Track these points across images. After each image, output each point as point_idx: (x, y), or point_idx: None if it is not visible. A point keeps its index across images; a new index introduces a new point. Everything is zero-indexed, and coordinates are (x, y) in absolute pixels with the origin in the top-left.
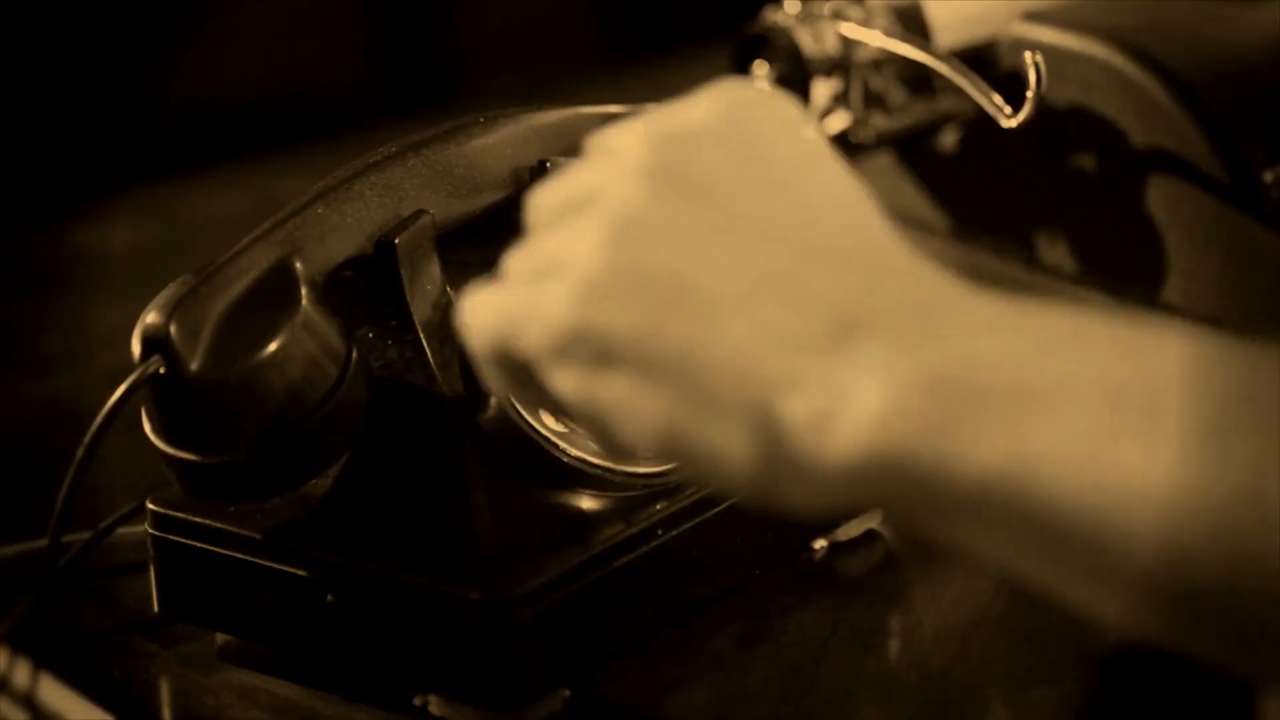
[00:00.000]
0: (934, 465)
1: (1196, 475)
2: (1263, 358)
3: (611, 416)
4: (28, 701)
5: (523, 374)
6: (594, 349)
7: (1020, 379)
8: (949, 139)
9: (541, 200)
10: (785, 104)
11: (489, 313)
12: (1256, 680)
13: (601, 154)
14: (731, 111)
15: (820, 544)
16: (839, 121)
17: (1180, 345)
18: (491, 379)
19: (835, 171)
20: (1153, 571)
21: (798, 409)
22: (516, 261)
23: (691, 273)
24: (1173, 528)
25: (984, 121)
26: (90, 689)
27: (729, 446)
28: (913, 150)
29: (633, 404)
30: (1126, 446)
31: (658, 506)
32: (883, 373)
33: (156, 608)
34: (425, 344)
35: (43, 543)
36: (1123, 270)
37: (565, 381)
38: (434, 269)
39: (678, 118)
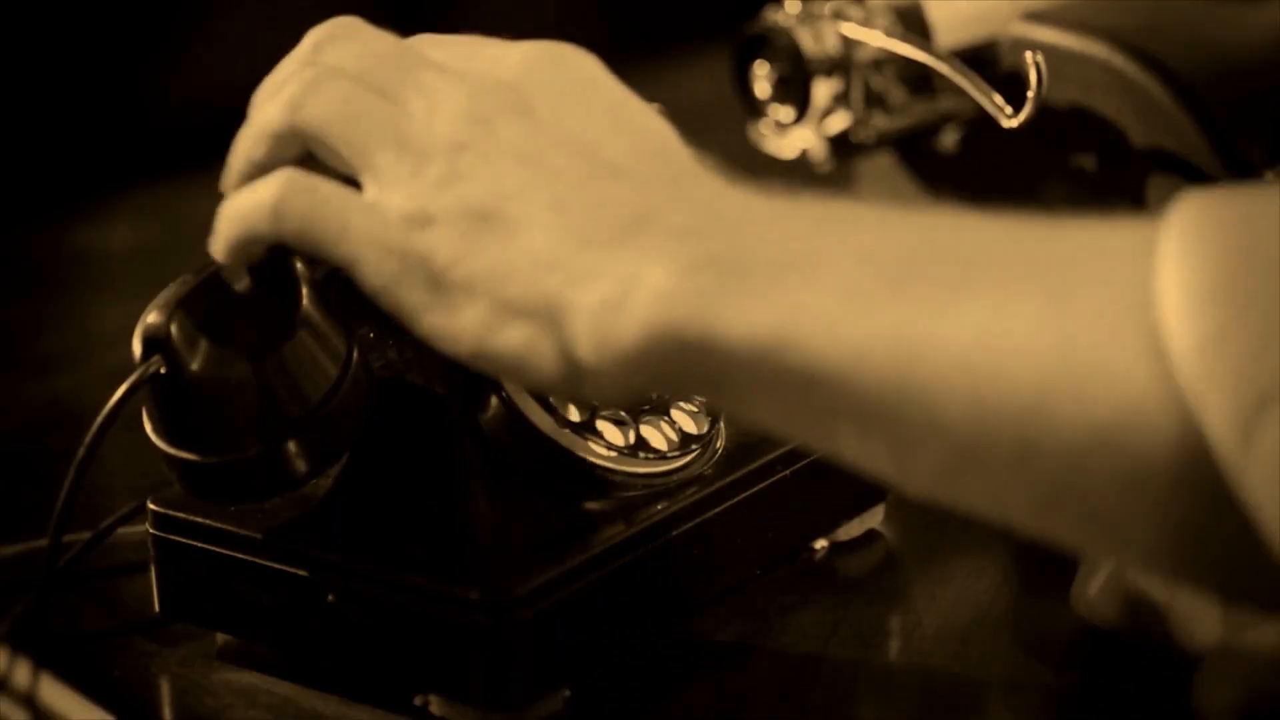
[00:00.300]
0: (711, 335)
1: (934, 326)
2: (1003, 223)
3: (430, 331)
4: (28, 701)
5: (259, 244)
6: (422, 275)
7: (785, 253)
8: (949, 139)
9: (336, 48)
10: (586, 56)
11: (307, 198)
12: (1008, 525)
13: (428, 79)
14: (540, 61)
15: (820, 544)
16: (839, 121)
17: (929, 217)
18: (243, 233)
19: (635, 106)
20: (904, 419)
21: (590, 298)
22: (293, 97)
23: (504, 200)
24: (918, 376)
25: (984, 121)
26: (90, 689)
27: (534, 345)
28: (913, 150)
29: (450, 318)
30: (875, 305)
31: (658, 506)
32: (666, 258)
33: (157, 608)
34: (425, 344)
35: (43, 543)
36: None
37: (378, 287)
38: None
39: (495, 67)
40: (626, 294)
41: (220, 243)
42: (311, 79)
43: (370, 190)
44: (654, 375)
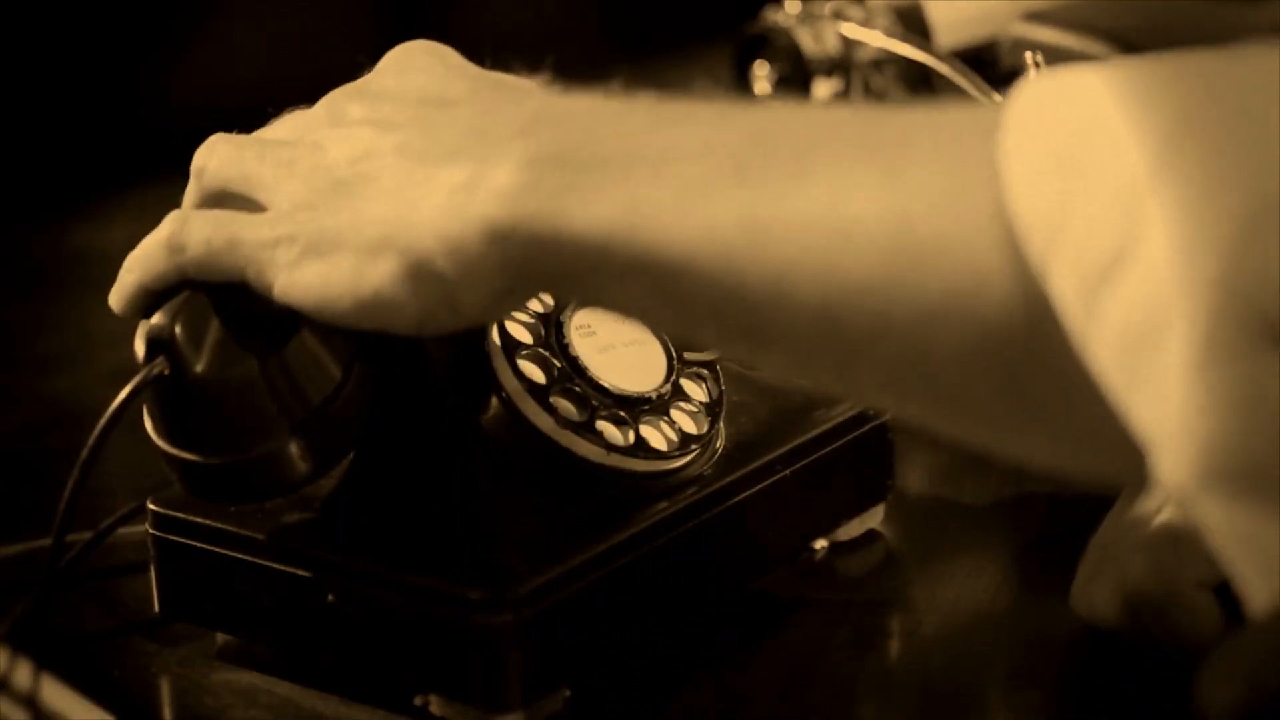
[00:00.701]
0: (561, 228)
1: (778, 208)
2: (844, 109)
3: (316, 303)
4: (28, 701)
5: (159, 284)
6: (301, 254)
7: (628, 147)
8: None
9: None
10: (438, 44)
11: (197, 226)
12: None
13: (295, 120)
14: (387, 57)
15: (820, 544)
16: None
17: (769, 109)
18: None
19: (477, 68)
20: (756, 301)
21: (434, 209)
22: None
23: (356, 163)
24: (766, 257)
25: None
26: (90, 689)
27: (398, 277)
28: None
29: (325, 284)
30: (720, 190)
31: (658, 506)
32: (507, 157)
33: (157, 608)
34: (426, 343)
35: (43, 543)
36: None
37: (271, 285)
38: None
39: (360, 80)
40: (471, 196)
41: (121, 292)
42: (205, 148)
43: (268, 208)
44: (512, 274)
